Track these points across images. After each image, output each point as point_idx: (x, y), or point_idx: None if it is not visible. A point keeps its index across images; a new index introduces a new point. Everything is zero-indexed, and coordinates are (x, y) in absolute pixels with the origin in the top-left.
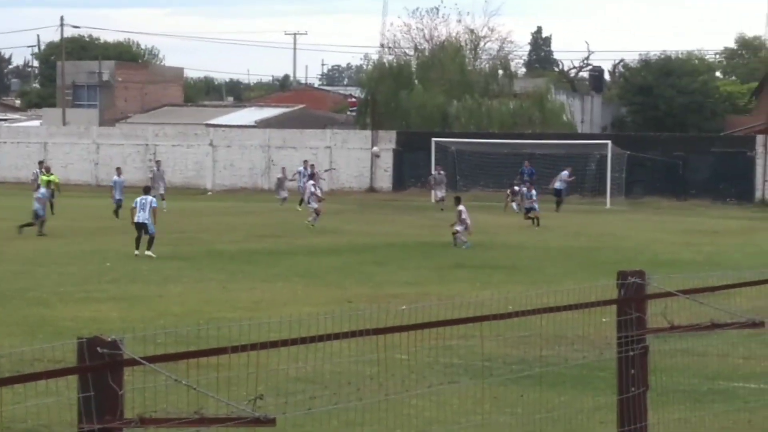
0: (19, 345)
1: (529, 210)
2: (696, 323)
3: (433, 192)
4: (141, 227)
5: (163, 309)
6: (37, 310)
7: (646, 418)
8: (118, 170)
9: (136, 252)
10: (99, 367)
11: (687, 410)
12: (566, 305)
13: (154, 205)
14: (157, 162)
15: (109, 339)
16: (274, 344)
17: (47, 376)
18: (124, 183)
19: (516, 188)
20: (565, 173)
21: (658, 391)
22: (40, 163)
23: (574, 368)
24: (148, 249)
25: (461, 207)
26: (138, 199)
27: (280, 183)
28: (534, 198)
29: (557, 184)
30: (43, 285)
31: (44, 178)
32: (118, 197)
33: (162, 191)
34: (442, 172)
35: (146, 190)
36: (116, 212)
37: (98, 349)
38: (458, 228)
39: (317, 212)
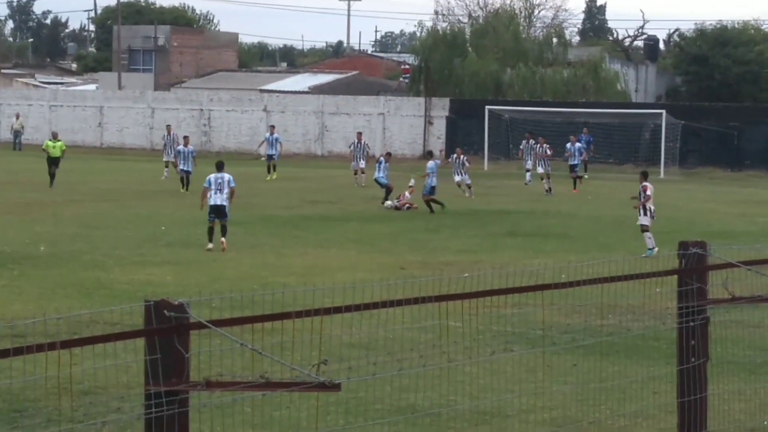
0: (76, 307)
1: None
2: (757, 294)
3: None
4: (217, 211)
5: (217, 273)
6: (93, 272)
7: (706, 389)
8: (185, 139)
9: (210, 245)
10: (167, 330)
11: (742, 381)
12: (627, 275)
13: (232, 184)
14: (168, 127)
15: (176, 302)
16: (337, 310)
17: (116, 339)
18: (192, 152)
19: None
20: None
21: (712, 361)
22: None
23: (627, 338)
24: (223, 236)
25: (646, 183)
26: (211, 176)
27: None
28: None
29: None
30: (98, 248)
31: (50, 143)
32: (183, 167)
33: (171, 158)
34: (532, 141)
35: (219, 167)
36: (183, 183)
37: (165, 312)
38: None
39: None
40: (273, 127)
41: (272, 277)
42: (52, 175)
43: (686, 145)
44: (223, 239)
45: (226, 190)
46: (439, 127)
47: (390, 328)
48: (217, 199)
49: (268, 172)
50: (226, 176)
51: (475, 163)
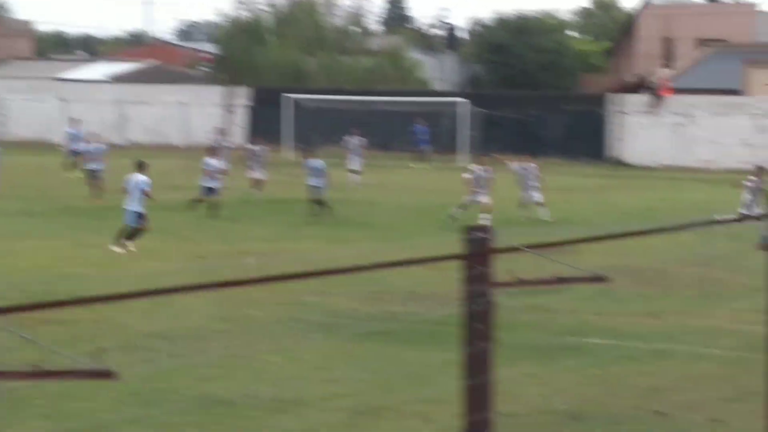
0: None
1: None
2: (542, 278)
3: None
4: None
5: (12, 265)
6: None
7: (492, 373)
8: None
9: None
10: None
11: (538, 365)
12: (411, 259)
13: (145, 187)
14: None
15: None
16: (110, 297)
17: None
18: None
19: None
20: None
21: (509, 346)
22: None
23: (426, 324)
24: (127, 239)
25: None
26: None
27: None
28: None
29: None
30: None
31: None
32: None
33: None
34: (358, 138)
35: (139, 167)
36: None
37: None
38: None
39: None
40: (75, 120)
41: (70, 268)
42: None
43: (487, 133)
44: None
45: (135, 194)
46: (241, 116)
47: (189, 318)
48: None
49: (74, 167)
50: (134, 178)
51: (277, 152)
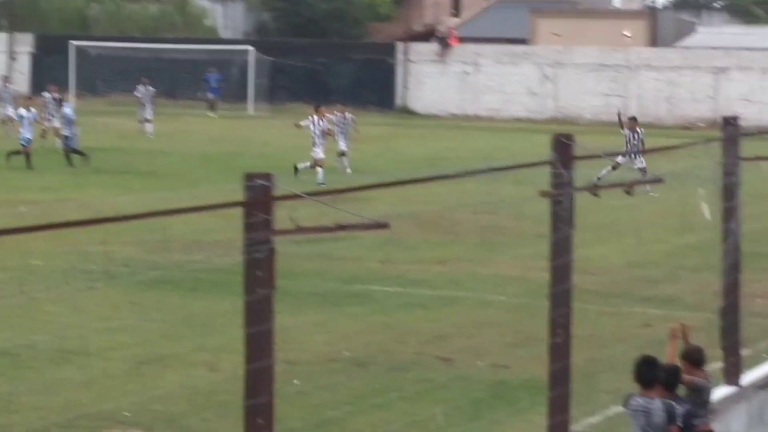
0: None
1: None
2: (323, 225)
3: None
4: None
5: None
6: None
7: (272, 319)
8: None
9: None
10: None
11: (322, 313)
12: (193, 207)
13: None
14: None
15: None
16: None
17: None
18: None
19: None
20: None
21: (294, 294)
22: None
23: (211, 272)
24: None
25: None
26: None
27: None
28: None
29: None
30: None
31: None
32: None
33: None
34: (149, 87)
35: None
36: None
37: None
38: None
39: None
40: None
41: None
42: None
43: (275, 82)
44: None
45: None
46: (23, 64)
47: None
48: None
49: None
50: None
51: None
